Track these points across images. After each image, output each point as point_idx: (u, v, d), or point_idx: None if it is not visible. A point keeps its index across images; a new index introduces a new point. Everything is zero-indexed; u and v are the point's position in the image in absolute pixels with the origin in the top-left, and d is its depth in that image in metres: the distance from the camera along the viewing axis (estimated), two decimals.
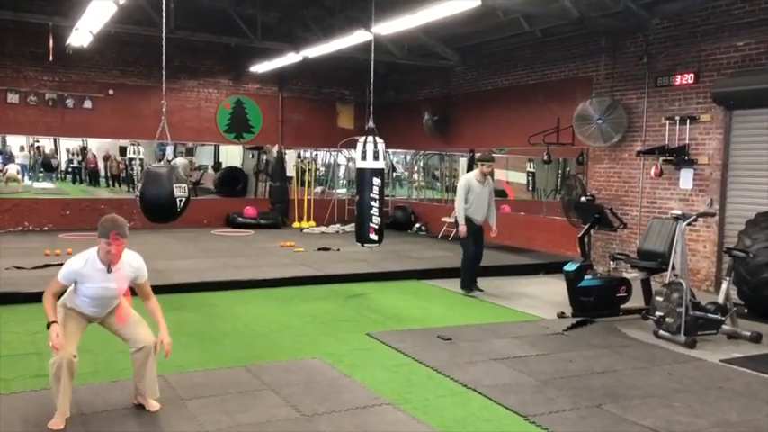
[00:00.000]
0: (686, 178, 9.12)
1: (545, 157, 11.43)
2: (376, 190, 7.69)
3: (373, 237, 7.80)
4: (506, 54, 12.39)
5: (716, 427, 4.26)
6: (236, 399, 4.49)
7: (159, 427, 4.01)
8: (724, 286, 6.57)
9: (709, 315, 6.35)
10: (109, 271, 4.00)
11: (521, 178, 17.38)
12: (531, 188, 16.78)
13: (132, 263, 4.16)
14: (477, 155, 8.80)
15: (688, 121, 9.01)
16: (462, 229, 8.29)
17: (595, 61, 10.56)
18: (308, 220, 14.95)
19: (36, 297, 6.90)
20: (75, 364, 3.95)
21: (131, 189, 21.09)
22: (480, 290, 8.40)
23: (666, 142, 9.25)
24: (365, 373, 5.17)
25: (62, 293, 4.12)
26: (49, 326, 3.88)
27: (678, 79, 9.16)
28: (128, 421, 4.06)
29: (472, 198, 8.32)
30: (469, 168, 14.06)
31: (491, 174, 8.64)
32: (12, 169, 22.03)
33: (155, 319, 4.26)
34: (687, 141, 9.04)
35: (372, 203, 7.70)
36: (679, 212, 6.99)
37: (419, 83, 14.92)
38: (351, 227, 12.71)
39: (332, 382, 4.91)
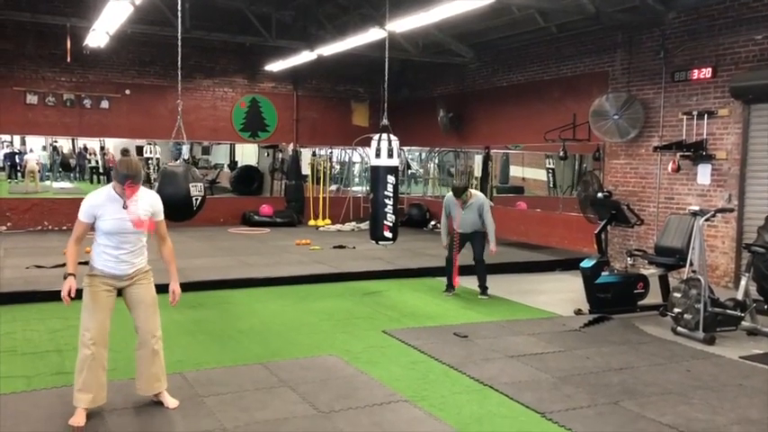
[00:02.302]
0: (704, 173, 9.03)
1: (561, 154, 11.36)
2: (390, 188, 7.68)
3: (387, 234, 7.79)
4: (521, 50, 12.34)
5: (735, 425, 4.23)
6: (254, 396, 4.52)
7: (178, 423, 4.05)
8: (743, 282, 6.51)
9: (728, 311, 6.29)
10: (124, 206, 4.01)
11: (539, 175, 17.28)
12: (552, 185, 16.61)
13: (149, 198, 4.18)
14: (453, 184, 8.48)
15: (706, 115, 8.92)
16: (444, 244, 8.39)
17: (611, 56, 10.48)
18: (324, 218, 14.99)
19: (56, 296, 6.99)
20: (105, 353, 4.04)
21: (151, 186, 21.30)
22: (452, 290, 8.30)
23: (684, 137, 9.16)
24: (381, 371, 5.18)
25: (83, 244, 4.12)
26: (66, 276, 3.94)
27: (695, 74, 9.07)
28: (147, 418, 4.10)
29: (453, 215, 8.24)
30: (485, 165, 14.07)
31: (472, 194, 8.30)
32: (32, 162, 22.25)
33: (166, 265, 4.31)
34: (705, 136, 8.95)
35: (387, 201, 7.69)
36: (697, 208, 6.92)
37: (433, 80, 14.90)
38: (366, 224, 12.72)
39: (348, 380, 4.92)
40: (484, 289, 8.28)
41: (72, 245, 4.05)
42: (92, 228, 4.09)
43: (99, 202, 4.02)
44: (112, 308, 4.16)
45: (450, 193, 8.38)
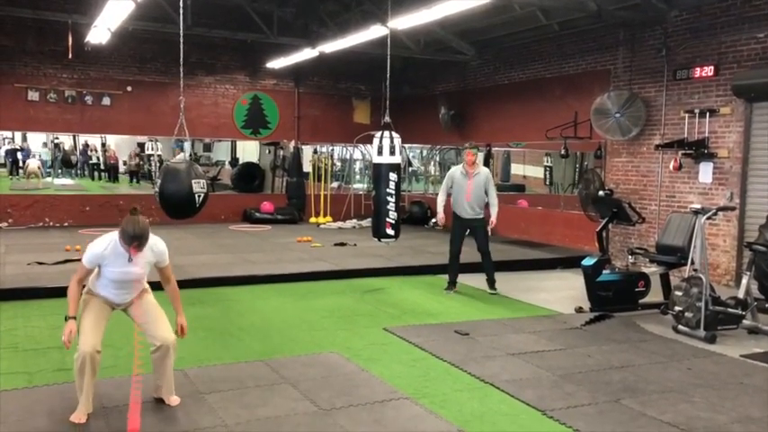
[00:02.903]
0: (706, 172, 9.02)
1: (562, 151, 11.36)
2: (392, 185, 7.69)
3: (390, 232, 7.81)
4: (523, 48, 12.33)
5: (736, 423, 4.23)
6: (255, 393, 4.53)
7: (179, 420, 4.05)
8: (744, 281, 6.50)
9: (730, 310, 6.28)
10: (130, 260, 4.03)
11: (540, 173, 17.29)
12: (548, 182, 16.66)
13: (154, 248, 4.16)
14: (466, 144, 8.49)
15: (707, 114, 8.91)
16: (439, 217, 8.33)
17: (613, 54, 10.46)
18: (325, 215, 15.00)
19: (58, 292, 7.03)
20: (99, 359, 3.99)
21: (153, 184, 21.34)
22: (454, 289, 8.23)
23: (685, 135, 9.15)
24: (382, 368, 5.19)
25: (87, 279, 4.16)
26: (66, 318, 3.94)
27: (697, 72, 9.06)
28: (148, 415, 4.10)
29: (455, 191, 8.14)
30: (486, 163, 14.05)
31: (479, 164, 8.28)
32: (33, 164, 22.28)
33: (173, 304, 4.30)
34: (707, 134, 8.94)
35: (389, 198, 7.70)
36: (698, 206, 6.92)
37: (435, 77, 14.88)
38: (367, 222, 12.73)
39: (349, 377, 4.93)
40: (492, 283, 8.22)
41: (74, 285, 4.05)
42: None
43: (105, 254, 4.02)
44: (109, 317, 4.21)
45: (455, 167, 8.37)
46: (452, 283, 8.31)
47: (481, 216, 8.18)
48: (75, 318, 3.96)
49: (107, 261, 4.03)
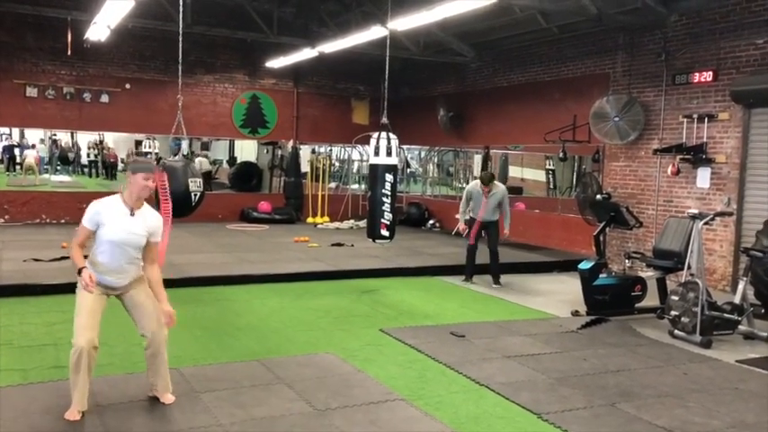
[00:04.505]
0: (703, 177, 9.03)
1: (561, 155, 11.36)
2: (388, 186, 7.68)
3: (384, 233, 7.80)
4: (522, 50, 12.34)
5: (731, 428, 4.23)
6: (251, 392, 4.52)
7: (174, 419, 4.04)
8: (741, 286, 6.52)
9: (726, 315, 6.29)
10: (132, 214, 4.00)
11: (538, 176, 17.28)
12: (552, 186, 16.58)
13: (152, 218, 4.16)
14: (480, 174, 9.58)
15: (706, 119, 8.93)
16: (461, 227, 9.12)
17: (612, 58, 10.48)
18: (323, 215, 14.98)
19: (54, 289, 7.06)
20: (95, 355, 3.97)
21: None
22: (470, 280, 8.87)
23: (684, 140, 9.17)
24: (378, 369, 5.18)
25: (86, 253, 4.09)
26: (80, 272, 3.89)
27: (696, 77, 9.07)
28: (143, 413, 4.10)
29: (473, 203, 8.86)
30: (484, 165, 14.08)
31: (495, 183, 8.95)
32: (30, 157, 22.19)
33: (153, 288, 4.19)
34: (705, 140, 8.96)
35: (384, 199, 7.70)
36: (696, 211, 6.93)
37: (434, 79, 14.89)
38: (364, 222, 12.72)
39: (345, 377, 4.92)
40: (497, 278, 8.78)
41: (75, 247, 4.02)
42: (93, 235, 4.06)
43: (104, 210, 4.00)
44: (104, 310, 4.14)
45: (474, 182, 9.13)
46: (470, 275, 8.93)
47: (496, 218, 8.86)
48: (85, 266, 3.91)
49: (107, 219, 3.97)
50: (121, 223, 3.99)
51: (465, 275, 8.93)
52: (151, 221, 4.14)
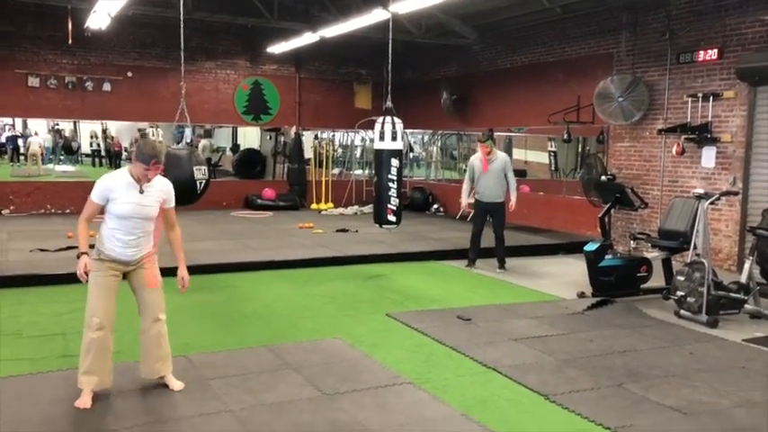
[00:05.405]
0: (709, 156, 8.99)
1: (565, 136, 11.31)
2: (394, 171, 7.68)
3: (391, 218, 7.81)
4: (525, 31, 12.24)
5: (738, 407, 4.24)
6: (259, 378, 4.54)
7: (184, 406, 4.07)
8: (747, 265, 6.50)
9: (732, 294, 6.29)
10: (141, 191, 4.02)
11: (542, 158, 17.20)
12: (553, 168, 16.54)
13: (163, 185, 4.17)
14: (478, 135, 8.95)
15: (711, 98, 8.86)
16: (463, 204, 8.87)
17: (616, 38, 10.39)
18: (326, 201, 14.98)
19: (60, 279, 7.08)
20: (111, 338, 4.05)
21: None
22: (474, 267, 8.68)
23: (689, 120, 9.11)
24: (385, 354, 5.20)
25: (93, 223, 4.11)
26: (79, 256, 3.93)
27: (701, 55, 8.99)
28: (153, 400, 4.13)
29: (477, 179, 8.56)
30: None
31: (495, 150, 8.68)
32: (35, 144, 22.18)
33: (174, 251, 4.30)
34: (710, 119, 8.90)
35: (390, 185, 7.69)
36: (701, 191, 6.91)
37: (437, 62, 14.80)
38: (369, 208, 12.71)
39: (352, 362, 4.94)
40: (502, 263, 8.62)
41: (82, 223, 4.03)
42: (101, 211, 4.08)
43: (114, 185, 4.00)
44: (117, 291, 4.16)
45: (474, 155, 8.78)
46: (472, 261, 8.73)
47: (501, 201, 8.58)
48: (86, 253, 3.95)
49: (117, 194, 3.98)
50: (130, 197, 4.00)
51: (468, 261, 8.79)
52: (161, 189, 4.15)
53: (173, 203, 4.26)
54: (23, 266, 7.72)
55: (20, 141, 26.81)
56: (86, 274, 3.93)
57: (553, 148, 16.28)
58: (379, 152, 7.75)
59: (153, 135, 21.45)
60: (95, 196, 4.01)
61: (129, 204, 4.00)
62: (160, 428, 3.76)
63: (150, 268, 4.22)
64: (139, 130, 24.78)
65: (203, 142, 21.54)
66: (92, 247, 4.12)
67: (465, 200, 8.80)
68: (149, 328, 4.21)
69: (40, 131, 27.01)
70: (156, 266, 4.26)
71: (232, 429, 3.76)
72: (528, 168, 17.53)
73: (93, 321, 3.98)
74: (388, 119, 7.49)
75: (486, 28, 12.81)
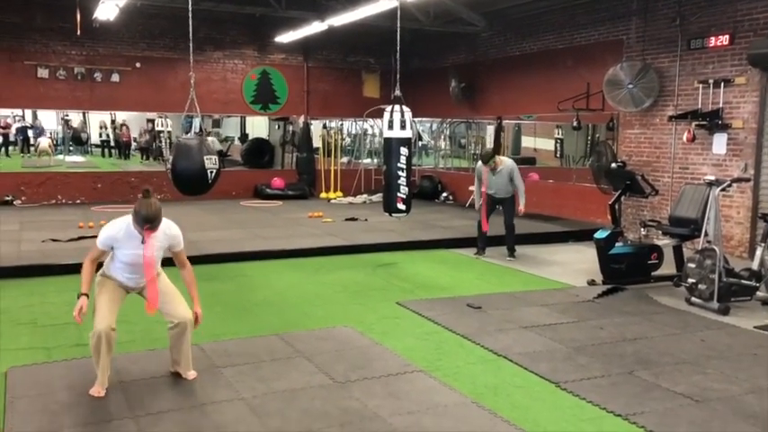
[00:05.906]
0: (720, 143, 8.93)
1: (574, 124, 11.25)
2: (403, 159, 7.68)
3: (401, 206, 7.82)
4: (534, 18, 12.16)
5: (750, 394, 4.24)
6: (271, 366, 4.57)
7: (196, 394, 4.11)
8: (758, 252, 6.48)
9: (743, 281, 6.27)
10: (143, 242, 4.05)
11: (551, 145, 17.15)
12: (559, 155, 16.54)
13: (168, 231, 4.16)
14: (479, 154, 9.06)
15: (722, 84, 8.79)
16: (477, 205, 8.82)
17: (626, 24, 10.31)
18: (335, 190, 14.99)
19: (72, 268, 7.08)
20: (114, 336, 4.05)
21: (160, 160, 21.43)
22: (482, 254, 8.74)
23: (699, 106, 9.04)
24: (396, 341, 5.22)
25: (101, 260, 4.19)
26: (79, 296, 3.98)
27: (712, 41, 8.91)
28: (166, 389, 4.17)
29: (486, 181, 8.58)
30: (497, 136, 13.98)
31: (501, 160, 8.70)
32: (44, 142, 22.31)
33: (190, 292, 4.29)
34: (721, 105, 8.83)
35: (399, 173, 7.69)
36: (712, 178, 6.87)
37: (445, 50, 14.74)
38: (378, 197, 12.72)
39: (363, 350, 4.97)
40: (512, 251, 8.67)
41: (87, 265, 4.09)
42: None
43: (118, 237, 4.04)
44: (123, 299, 4.24)
45: (479, 164, 8.74)
46: (482, 249, 8.78)
47: (510, 194, 8.66)
48: (86, 295, 4.00)
49: (120, 243, 4.04)
50: (134, 247, 4.03)
51: (477, 249, 8.82)
52: (166, 235, 4.14)
53: (181, 246, 4.25)
54: (36, 256, 7.79)
55: (30, 132, 26.90)
56: (81, 315, 3.94)
57: (560, 136, 16.22)
58: (388, 141, 7.75)
59: (162, 125, 21.51)
60: (100, 243, 4.08)
61: (133, 255, 4.05)
62: (173, 416, 3.80)
63: (160, 279, 4.26)
64: (149, 120, 24.86)
65: (210, 139, 21.44)
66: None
67: (477, 202, 8.77)
68: (170, 332, 4.25)
69: (48, 123, 27.10)
70: (158, 282, 4.23)
71: (244, 417, 3.80)
72: (537, 156, 17.48)
73: (96, 326, 4.00)
74: (397, 107, 7.48)
75: (494, 15, 12.72)
